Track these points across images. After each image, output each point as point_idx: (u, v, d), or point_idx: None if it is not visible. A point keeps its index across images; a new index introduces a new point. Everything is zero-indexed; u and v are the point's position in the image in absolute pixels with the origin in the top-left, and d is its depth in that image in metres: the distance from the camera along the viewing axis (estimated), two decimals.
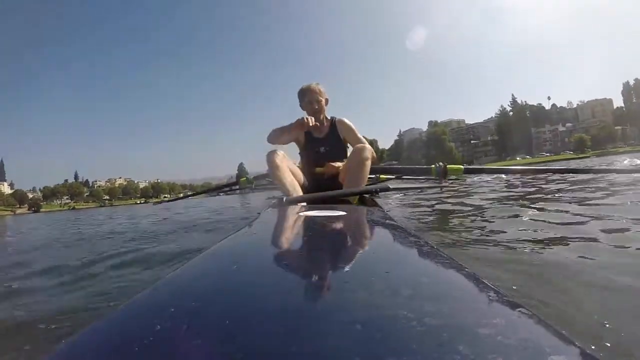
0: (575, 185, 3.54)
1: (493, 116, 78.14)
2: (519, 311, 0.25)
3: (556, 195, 3.03)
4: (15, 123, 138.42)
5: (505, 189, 4.03)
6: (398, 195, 4.19)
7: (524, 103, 69.65)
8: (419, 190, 3.70)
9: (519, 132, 65.44)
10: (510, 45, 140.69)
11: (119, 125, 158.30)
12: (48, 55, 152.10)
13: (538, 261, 1.09)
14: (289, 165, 1.65)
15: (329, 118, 1.91)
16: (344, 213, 0.79)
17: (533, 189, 3.74)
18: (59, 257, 2.25)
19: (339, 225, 0.69)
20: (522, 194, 3.43)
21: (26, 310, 1.04)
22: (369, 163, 1.59)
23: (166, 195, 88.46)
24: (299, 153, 1.99)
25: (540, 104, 71.80)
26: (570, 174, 3.57)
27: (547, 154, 59.83)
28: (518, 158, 60.52)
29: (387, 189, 1.40)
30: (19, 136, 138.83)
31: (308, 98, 1.82)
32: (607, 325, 0.60)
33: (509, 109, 69.11)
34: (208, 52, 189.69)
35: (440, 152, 64.16)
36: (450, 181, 2.82)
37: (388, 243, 0.59)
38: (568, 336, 0.21)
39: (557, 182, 4.11)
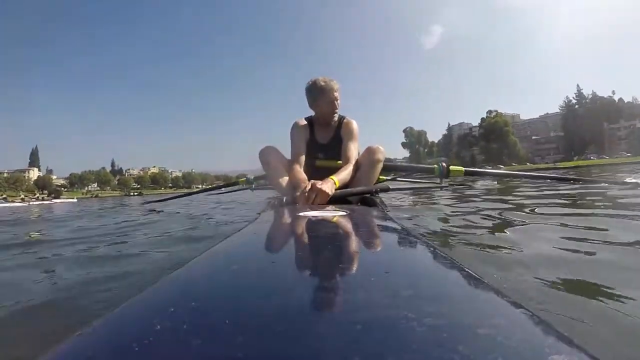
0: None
1: (549, 112, 70.82)
2: (519, 311, 0.25)
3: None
4: (58, 109, 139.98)
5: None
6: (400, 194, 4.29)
7: (594, 94, 61.92)
8: (419, 190, 3.83)
9: (588, 127, 57.98)
10: (565, 33, 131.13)
11: (159, 114, 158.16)
12: (93, 38, 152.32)
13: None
14: (285, 162, 1.58)
15: (336, 119, 1.69)
16: (344, 213, 0.79)
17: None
18: None
19: (338, 225, 0.70)
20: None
21: None
22: (380, 165, 1.57)
23: (198, 186, 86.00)
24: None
25: (610, 96, 63.88)
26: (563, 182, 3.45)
27: (628, 154, 49.14)
28: (592, 157, 52.88)
29: (387, 189, 1.42)
30: (60, 122, 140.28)
31: (328, 98, 1.60)
32: None
33: (574, 101, 61.65)
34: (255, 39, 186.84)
35: (502, 146, 57.62)
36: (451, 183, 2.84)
37: (388, 243, 0.59)
38: (568, 336, 0.21)
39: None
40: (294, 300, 0.27)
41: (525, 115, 78.60)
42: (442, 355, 0.18)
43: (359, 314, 0.24)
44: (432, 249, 0.47)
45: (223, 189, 4.13)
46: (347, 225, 0.71)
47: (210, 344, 0.20)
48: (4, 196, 32.06)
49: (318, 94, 1.59)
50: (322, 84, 1.58)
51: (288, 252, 0.50)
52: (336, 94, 1.61)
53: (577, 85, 63.23)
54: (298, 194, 1.17)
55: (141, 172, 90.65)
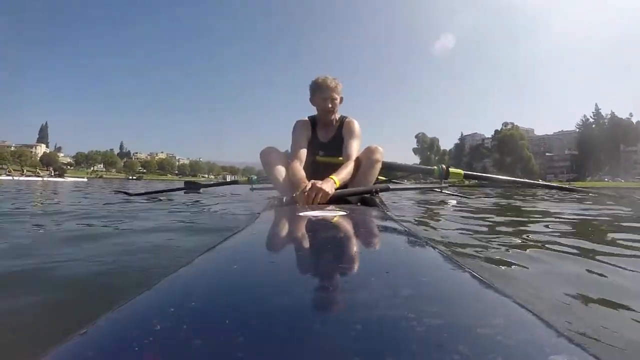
0: None
1: (564, 130, 69.70)
2: (519, 310, 0.25)
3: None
4: (72, 87, 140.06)
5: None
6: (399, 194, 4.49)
7: (612, 114, 60.52)
8: (419, 191, 4.23)
9: (604, 148, 56.72)
10: (583, 49, 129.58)
11: (171, 101, 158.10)
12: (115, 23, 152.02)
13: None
14: (286, 162, 1.60)
15: (338, 119, 1.74)
16: (344, 213, 0.80)
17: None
18: None
19: (339, 225, 0.70)
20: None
21: None
22: (379, 165, 1.61)
23: (204, 175, 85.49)
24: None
25: (628, 118, 62.59)
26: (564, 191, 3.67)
27: None
28: (606, 179, 51.69)
29: (388, 189, 1.43)
30: (74, 101, 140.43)
31: (323, 94, 1.64)
32: None
33: (591, 120, 60.33)
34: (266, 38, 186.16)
35: (516, 160, 56.61)
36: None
37: (388, 243, 0.59)
38: (568, 336, 0.21)
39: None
40: (294, 300, 0.27)
41: (539, 131, 77.75)
42: (442, 355, 0.18)
43: (359, 314, 0.24)
44: (432, 248, 0.47)
45: (225, 185, 4.46)
46: (348, 225, 0.70)
47: (210, 344, 0.20)
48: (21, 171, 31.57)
49: (317, 89, 1.65)
50: (322, 80, 1.64)
51: (288, 252, 0.50)
52: (335, 95, 1.63)
53: (596, 105, 61.75)
54: (298, 193, 1.18)
55: (148, 156, 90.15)
